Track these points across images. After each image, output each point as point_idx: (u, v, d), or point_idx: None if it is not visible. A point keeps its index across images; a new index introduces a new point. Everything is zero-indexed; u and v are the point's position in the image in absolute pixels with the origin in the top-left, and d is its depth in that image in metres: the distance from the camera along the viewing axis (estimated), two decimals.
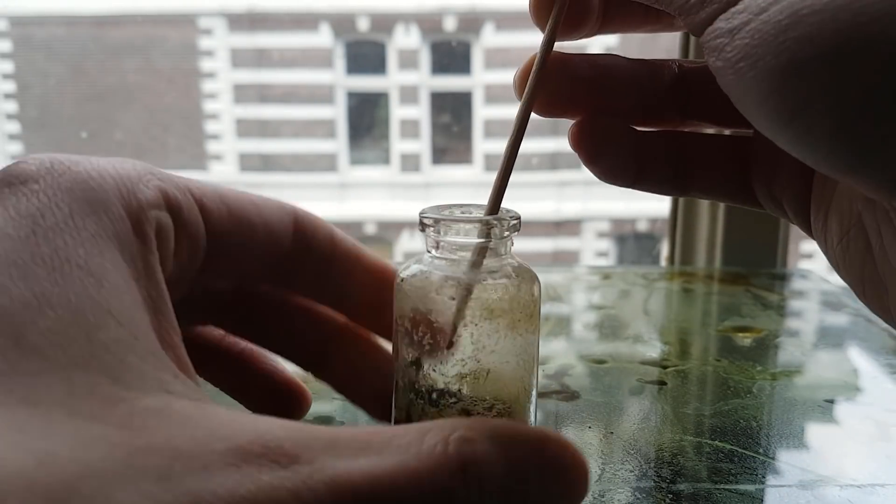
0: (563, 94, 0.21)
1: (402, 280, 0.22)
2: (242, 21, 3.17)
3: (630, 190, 0.22)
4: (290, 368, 0.26)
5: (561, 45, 0.21)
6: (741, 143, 0.21)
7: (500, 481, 0.16)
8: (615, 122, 0.21)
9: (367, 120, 3.36)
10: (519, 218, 0.22)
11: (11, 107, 2.99)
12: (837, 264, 0.19)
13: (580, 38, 0.21)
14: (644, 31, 0.21)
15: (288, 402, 0.25)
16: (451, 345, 0.21)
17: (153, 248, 0.17)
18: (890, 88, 0.13)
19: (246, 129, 3.26)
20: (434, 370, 0.22)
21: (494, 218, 0.22)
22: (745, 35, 0.14)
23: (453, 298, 0.21)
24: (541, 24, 0.20)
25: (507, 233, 0.22)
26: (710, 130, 0.22)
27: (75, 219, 0.15)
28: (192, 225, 0.19)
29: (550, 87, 0.21)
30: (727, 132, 0.22)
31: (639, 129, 0.22)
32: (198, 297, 0.22)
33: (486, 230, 0.22)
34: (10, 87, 3.00)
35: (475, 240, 0.22)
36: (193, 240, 0.19)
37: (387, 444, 0.15)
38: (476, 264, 0.22)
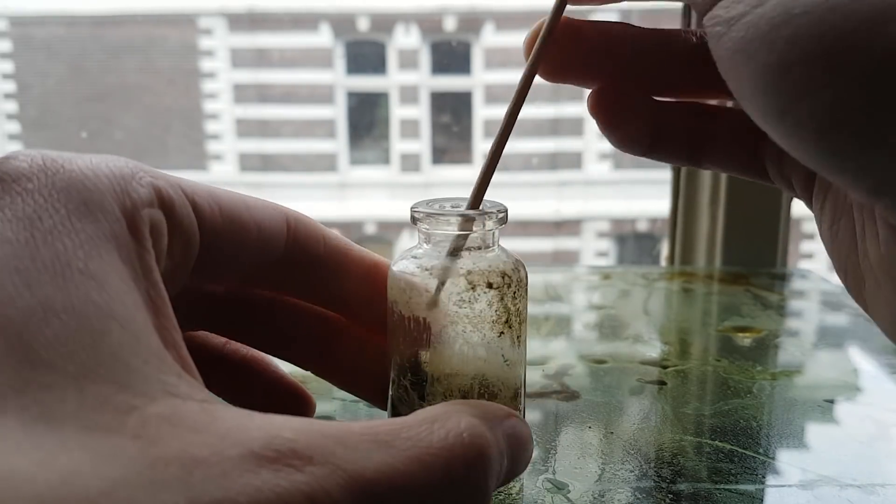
0: (572, 60, 0.21)
1: (392, 271, 0.23)
2: (242, 21, 3.17)
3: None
4: (287, 370, 0.26)
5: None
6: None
7: (503, 463, 0.17)
8: (634, 90, 0.21)
9: (367, 120, 3.35)
10: (505, 211, 0.23)
11: (11, 107, 2.99)
12: (827, 247, 0.20)
13: (588, 4, 0.21)
14: None
15: (293, 410, 0.25)
16: (430, 335, 0.22)
17: (149, 248, 0.16)
18: (869, 101, 0.13)
19: (246, 129, 3.26)
20: (420, 361, 0.22)
21: (480, 212, 0.22)
22: (742, 27, 0.14)
23: (429, 290, 0.22)
24: None
25: (492, 225, 0.22)
26: (730, 102, 0.22)
27: (73, 221, 0.15)
28: (185, 223, 0.18)
29: (559, 51, 0.21)
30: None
31: (657, 98, 0.22)
32: (191, 299, 0.22)
33: (468, 223, 0.22)
34: (10, 87, 2.99)
35: (460, 232, 0.22)
36: (187, 237, 0.19)
37: (395, 436, 0.15)
38: (453, 254, 0.22)
